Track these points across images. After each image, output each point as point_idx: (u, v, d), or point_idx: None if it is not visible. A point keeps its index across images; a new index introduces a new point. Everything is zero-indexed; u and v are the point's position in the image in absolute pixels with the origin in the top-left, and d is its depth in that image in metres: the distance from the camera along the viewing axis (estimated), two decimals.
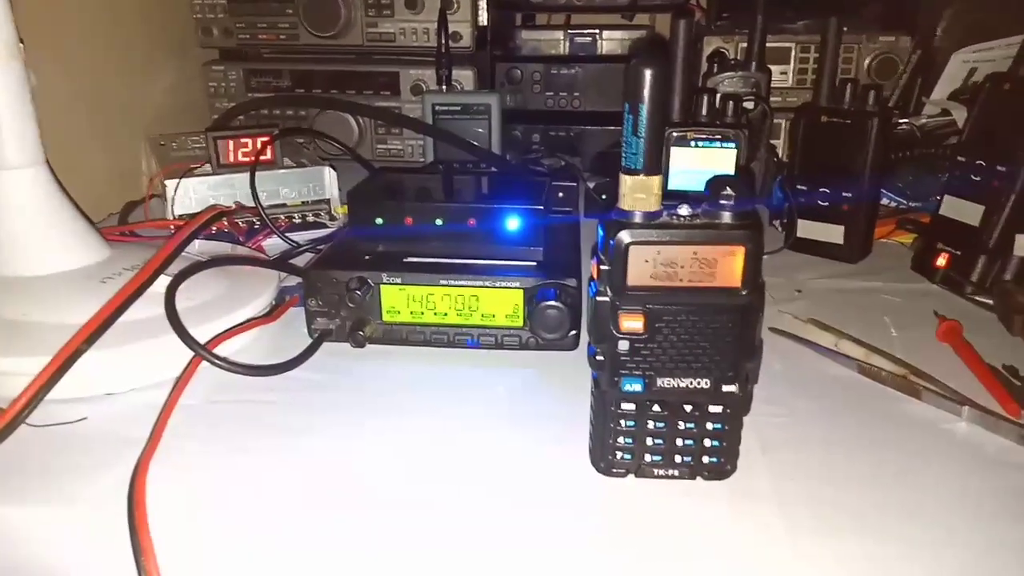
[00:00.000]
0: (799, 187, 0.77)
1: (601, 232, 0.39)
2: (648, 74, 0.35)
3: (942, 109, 0.93)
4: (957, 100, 0.93)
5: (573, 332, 0.56)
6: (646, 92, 0.35)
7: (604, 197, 0.89)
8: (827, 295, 0.69)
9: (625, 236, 0.37)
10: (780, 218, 0.82)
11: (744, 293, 0.38)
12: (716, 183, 0.38)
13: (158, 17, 1.05)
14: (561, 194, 0.76)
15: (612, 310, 0.39)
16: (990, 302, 0.65)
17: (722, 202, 0.37)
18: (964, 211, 0.68)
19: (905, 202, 0.85)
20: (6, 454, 0.44)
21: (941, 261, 0.70)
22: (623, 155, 0.37)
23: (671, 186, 0.69)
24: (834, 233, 0.76)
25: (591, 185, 0.91)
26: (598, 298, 0.39)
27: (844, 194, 0.74)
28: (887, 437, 0.48)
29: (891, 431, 0.48)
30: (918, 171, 0.87)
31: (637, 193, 0.37)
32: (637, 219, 0.38)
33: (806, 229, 0.77)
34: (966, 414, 0.49)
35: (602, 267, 0.39)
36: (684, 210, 0.38)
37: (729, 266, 0.38)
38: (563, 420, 0.48)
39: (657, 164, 0.37)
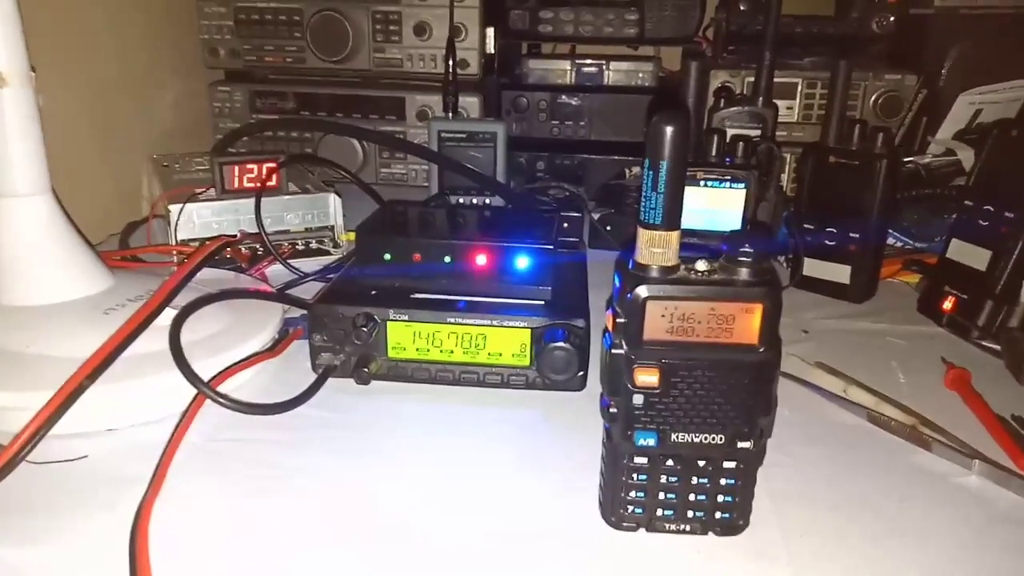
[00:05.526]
0: (806, 226, 0.77)
1: (617, 284, 0.39)
2: (669, 131, 0.35)
3: (947, 149, 0.93)
4: (963, 140, 0.94)
5: (580, 373, 0.55)
6: (667, 149, 0.35)
7: (609, 228, 0.88)
8: (833, 336, 0.69)
9: (643, 291, 0.37)
10: (786, 255, 0.82)
11: (761, 350, 0.38)
12: (735, 238, 0.37)
13: (163, 36, 1.05)
14: (566, 224, 0.76)
15: (627, 364, 0.38)
16: (996, 347, 0.65)
17: (740, 258, 0.37)
18: (971, 255, 0.68)
19: (910, 242, 0.85)
20: (5, 492, 0.43)
21: (947, 304, 0.70)
22: (641, 209, 0.37)
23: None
24: (840, 273, 0.76)
25: (596, 216, 0.90)
26: (613, 351, 0.39)
27: (851, 234, 0.74)
28: (897, 491, 0.47)
29: (902, 485, 0.48)
30: (923, 211, 0.87)
31: (655, 248, 0.37)
32: (654, 273, 0.37)
33: (812, 268, 0.77)
34: (976, 468, 0.49)
35: (618, 320, 0.38)
36: (702, 265, 0.38)
37: (747, 323, 0.37)
38: (571, 466, 0.47)
39: (676, 220, 0.37)
